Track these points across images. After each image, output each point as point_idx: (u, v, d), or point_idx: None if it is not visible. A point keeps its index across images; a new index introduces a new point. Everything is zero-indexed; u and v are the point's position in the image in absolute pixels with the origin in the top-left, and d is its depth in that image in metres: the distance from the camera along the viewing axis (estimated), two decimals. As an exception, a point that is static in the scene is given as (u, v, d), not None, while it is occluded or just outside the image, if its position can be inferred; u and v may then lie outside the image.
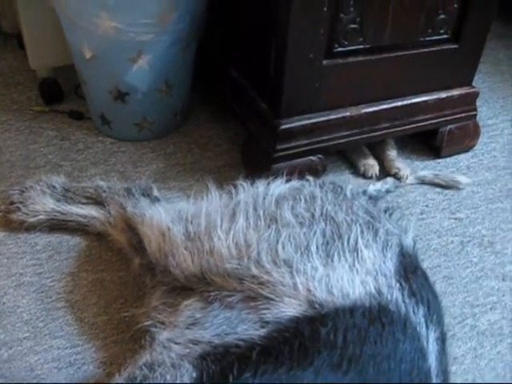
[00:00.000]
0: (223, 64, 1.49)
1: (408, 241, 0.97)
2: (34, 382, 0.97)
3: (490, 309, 1.18)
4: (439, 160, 1.55)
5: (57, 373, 0.99)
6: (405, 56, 1.33)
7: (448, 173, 1.48)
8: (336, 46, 1.25)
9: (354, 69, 1.29)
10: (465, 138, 1.55)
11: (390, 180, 1.41)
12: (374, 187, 1.33)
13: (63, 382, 0.97)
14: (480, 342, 1.11)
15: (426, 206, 1.40)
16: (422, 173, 1.46)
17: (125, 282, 1.14)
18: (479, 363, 1.07)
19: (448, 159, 1.55)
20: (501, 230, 1.36)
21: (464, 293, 1.20)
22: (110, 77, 1.37)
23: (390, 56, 1.32)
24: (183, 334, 0.84)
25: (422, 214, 1.37)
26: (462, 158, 1.57)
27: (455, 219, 1.37)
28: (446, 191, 1.45)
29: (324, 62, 1.24)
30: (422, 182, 1.44)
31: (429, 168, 1.52)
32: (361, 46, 1.27)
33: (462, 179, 1.44)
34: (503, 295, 1.20)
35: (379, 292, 0.83)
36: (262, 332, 0.80)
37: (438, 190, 1.45)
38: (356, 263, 0.87)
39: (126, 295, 1.12)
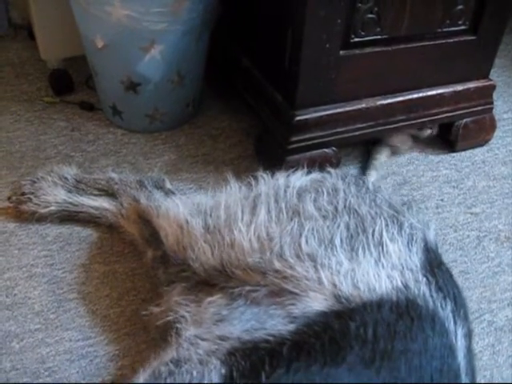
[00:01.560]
0: (236, 54, 1.47)
1: (431, 236, 0.95)
2: (46, 374, 0.95)
3: (508, 304, 1.16)
4: (454, 154, 1.53)
5: (69, 365, 0.97)
6: (422, 47, 1.31)
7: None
8: (353, 36, 1.22)
9: (371, 60, 1.27)
10: (480, 131, 1.53)
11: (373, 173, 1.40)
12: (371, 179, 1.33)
13: (75, 374, 0.96)
14: (498, 338, 1.09)
15: (442, 200, 1.38)
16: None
17: (137, 274, 1.13)
18: (497, 359, 1.05)
19: (463, 153, 1.53)
20: (517, 224, 1.34)
21: (481, 288, 1.18)
22: (121, 67, 1.35)
23: (408, 47, 1.29)
24: (210, 331, 0.82)
25: (437, 208, 1.35)
26: (478, 153, 1.55)
27: (471, 214, 1.35)
28: (462, 185, 1.42)
29: (341, 52, 1.22)
30: None
31: (444, 162, 1.49)
32: (378, 37, 1.25)
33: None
34: (521, 291, 1.18)
35: (406, 286, 0.81)
36: (291, 327, 0.78)
37: (454, 184, 1.43)
38: (382, 257, 0.85)
39: (138, 287, 1.10)
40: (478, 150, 1.55)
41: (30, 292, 1.08)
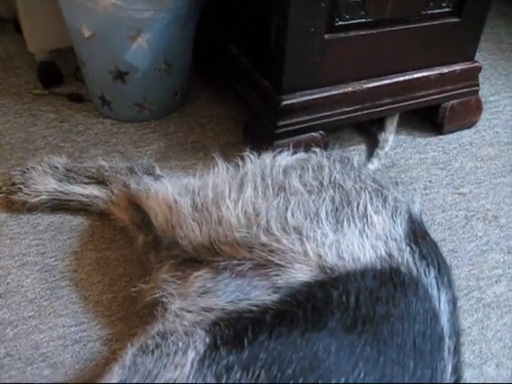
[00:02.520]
0: (223, 42, 1.48)
1: (416, 209, 0.96)
2: (40, 359, 0.96)
3: (496, 281, 1.17)
4: (441, 136, 1.54)
5: (62, 350, 0.98)
6: (407, 30, 1.32)
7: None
8: (337, 19, 1.23)
9: (356, 43, 1.28)
10: (467, 113, 1.54)
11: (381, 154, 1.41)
12: (372, 166, 1.33)
13: (69, 359, 0.97)
14: (486, 314, 1.10)
15: (430, 181, 1.39)
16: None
17: (129, 260, 1.13)
18: (486, 334, 1.07)
19: (450, 135, 1.55)
20: (505, 204, 1.35)
21: (469, 266, 1.20)
22: (109, 56, 1.36)
23: (392, 30, 1.30)
24: (195, 303, 0.84)
25: (425, 189, 1.36)
26: (465, 135, 1.56)
27: (459, 194, 1.37)
28: (450, 167, 1.44)
29: (325, 36, 1.23)
30: None
31: (431, 144, 1.51)
32: (362, 20, 1.26)
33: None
34: (509, 268, 1.20)
35: (390, 255, 0.83)
36: (275, 297, 0.79)
37: (441, 165, 1.44)
38: (366, 228, 0.87)
39: (130, 273, 1.11)
40: (465, 132, 1.57)
41: (23, 280, 1.08)
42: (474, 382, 0.99)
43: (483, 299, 1.13)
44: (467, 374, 0.99)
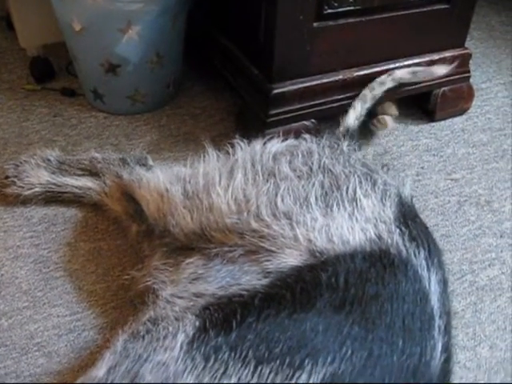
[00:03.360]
0: (213, 33, 1.48)
1: (406, 192, 0.97)
2: (35, 349, 0.97)
3: (489, 265, 1.18)
4: (433, 123, 1.55)
5: (57, 339, 0.98)
6: (396, 17, 1.33)
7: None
8: (326, 7, 1.23)
9: (345, 31, 1.28)
10: (459, 100, 1.54)
11: (369, 95, 1.36)
12: (353, 114, 1.30)
13: (64, 348, 0.97)
14: (480, 297, 1.11)
15: (422, 167, 1.39)
16: (398, 73, 1.39)
17: (122, 250, 1.14)
18: (479, 317, 1.07)
19: (442, 122, 1.55)
20: (497, 189, 1.36)
21: (462, 250, 1.20)
22: (100, 49, 1.36)
23: (381, 17, 1.31)
24: (187, 289, 0.85)
25: (417, 175, 1.37)
26: (457, 121, 1.56)
27: (451, 180, 1.37)
28: (442, 153, 1.44)
29: (314, 24, 1.24)
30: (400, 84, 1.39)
31: (424, 131, 1.51)
32: (351, 8, 1.26)
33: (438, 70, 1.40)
34: (501, 251, 1.20)
35: (379, 237, 0.84)
36: (265, 282, 0.80)
37: (434, 152, 1.45)
38: (355, 212, 0.87)
39: (123, 263, 1.11)
40: (457, 119, 1.57)
41: (17, 272, 1.09)
42: (468, 363, 1.00)
43: (476, 282, 1.14)
44: (461, 356, 1.00)
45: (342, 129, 1.23)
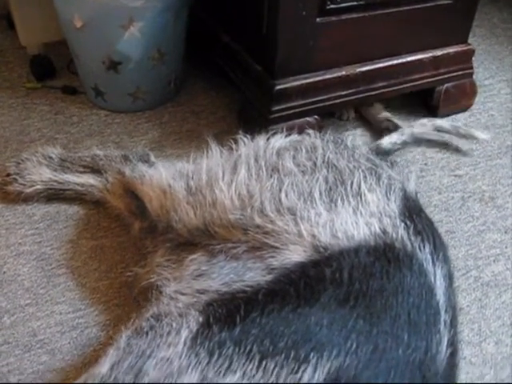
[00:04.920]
0: (215, 30, 1.48)
1: (411, 186, 0.96)
2: (38, 346, 0.96)
3: (494, 261, 1.17)
4: (437, 120, 1.53)
5: (60, 337, 0.98)
6: (399, 12, 1.32)
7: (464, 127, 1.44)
8: (329, 3, 1.23)
9: (348, 26, 1.27)
10: (462, 96, 1.54)
11: (407, 131, 1.37)
12: (389, 139, 1.31)
13: (67, 345, 0.97)
14: (485, 293, 1.10)
15: (425, 164, 1.39)
16: (439, 122, 1.42)
17: (125, 247, 1.13)
18: (485, 313, 1.07)
19: (445, 119, 1.54)
20: (501, 185, 1.35)
21: (467, 246, 1.19)
22: (101, 46, 1.36)
23: (384, 13, 1.30)
24: (190, 285, 0.84)
25: (421, 171, 1.36)
26: (460, 118, 1.56)
27: (455, 176, 1.36)
28: (445, 149, 1.43)
29: (317, 19, 1.23)
30: (438, 131, 1.41)
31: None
32: (354, 3, 1.26)
33: (479, 135, 1.40)
34: (506, 247, 1.20)
35: (384, 232, 0.83)
36: (269, 278, 0.79)
37: (437, 148, 1.44)
38: (360, 206, 0.86)
39: (126, 260, 1.11)
40: (460, 116, 1.56)
41: (19, 269, 1.08)
42: (473, 359, 0.99)
43: (481, 278, 1.13)
44: (467, 352, 0.99)
45: (372, 145, 1.22)
